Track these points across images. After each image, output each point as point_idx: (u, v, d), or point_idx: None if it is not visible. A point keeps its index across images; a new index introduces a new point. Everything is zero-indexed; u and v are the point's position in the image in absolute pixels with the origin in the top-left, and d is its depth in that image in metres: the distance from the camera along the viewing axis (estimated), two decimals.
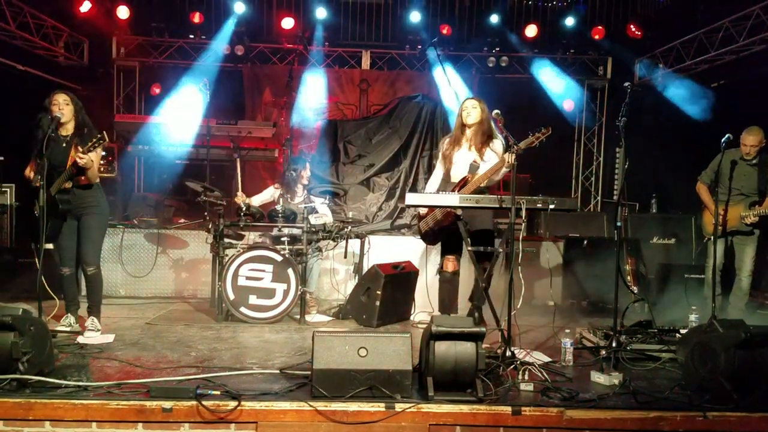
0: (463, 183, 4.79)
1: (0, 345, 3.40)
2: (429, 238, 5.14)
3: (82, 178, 4.66)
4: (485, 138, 4.85)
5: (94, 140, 4.47)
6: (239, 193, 6.14)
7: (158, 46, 9.54)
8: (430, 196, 4.60)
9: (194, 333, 5.10)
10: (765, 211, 5.42)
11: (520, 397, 3.52)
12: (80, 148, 4.46)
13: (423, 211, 5.04)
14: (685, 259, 6.85)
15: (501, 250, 4.57)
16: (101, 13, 8.86)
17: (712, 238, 5.63)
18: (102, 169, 7.90)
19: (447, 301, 4.95)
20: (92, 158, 4.55)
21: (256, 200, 6.41)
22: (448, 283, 4.97)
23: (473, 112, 4.87)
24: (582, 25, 9.44)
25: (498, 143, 4.90)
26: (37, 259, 4.16)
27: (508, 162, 4.42)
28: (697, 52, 8.36)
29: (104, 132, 4.52)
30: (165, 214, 7.65)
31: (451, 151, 4.97)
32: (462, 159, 4.92)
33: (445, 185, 5.03)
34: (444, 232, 4.92)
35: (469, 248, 4.55)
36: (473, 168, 4.80)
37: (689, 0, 8.45)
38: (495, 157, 4.74)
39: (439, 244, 5.13)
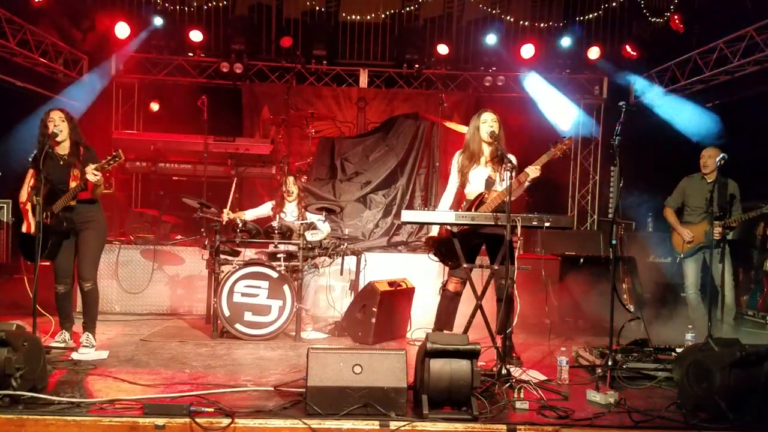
0: (479, 200, 4.70)
1: None
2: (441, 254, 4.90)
3: (87, 194, 4.67)
4: (502, 153, 4.53)
5: (110, 158, 4.50)
6: (225, 210, 6.11)
7: (157, 64, 9.59)
8: (425, 213, 4.61)
9: (189, 350, 5.08)
10: (728, 223, 5.71)
11: (516, 416, 3.51)
12: (91, 165, 4.46)
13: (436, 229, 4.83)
14: (681, 278, 6.85)
15: (497, 267, 4.55)
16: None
17: (682, 256, 6.09)
18: None
19: (444, 317, 4.89)
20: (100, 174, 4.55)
21: (250, 214, 6.47)
22: (449, 302, 4.90)
23: (495, 126, 4.70)
24: (578, 45, 9.52)
25: (512, 156, 4.62)
26: (12, 274, 4.12)
27: (531, 177, 4.51)
28: (691, 73, 8.45)
29: (119, 150, 4.54)
30: (161, 230, 7.65)
31: (469, 168, 4.79)
32: (478, 175, 4.78)
33: (458, 201, 4.91)
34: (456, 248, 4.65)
35: (465, 265, 4.55)
36: (489, 184, 4.70)
37: (684, 21, 8.54)
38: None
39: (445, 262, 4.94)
